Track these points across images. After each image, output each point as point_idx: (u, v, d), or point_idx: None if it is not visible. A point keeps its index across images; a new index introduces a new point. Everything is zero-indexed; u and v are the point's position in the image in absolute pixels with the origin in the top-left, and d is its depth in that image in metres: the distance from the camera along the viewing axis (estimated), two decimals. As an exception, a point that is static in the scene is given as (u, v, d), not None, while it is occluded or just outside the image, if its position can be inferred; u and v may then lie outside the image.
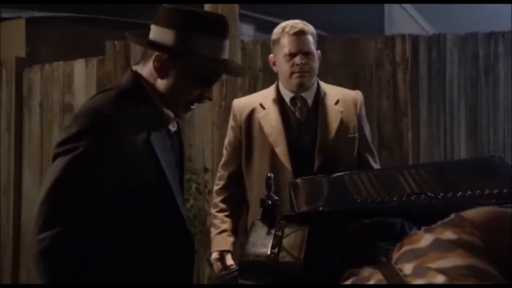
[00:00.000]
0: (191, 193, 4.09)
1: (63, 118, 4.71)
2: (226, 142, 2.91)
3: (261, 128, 2.79)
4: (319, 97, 2.80)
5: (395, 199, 2.11)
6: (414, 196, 2.08)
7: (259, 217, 2.08)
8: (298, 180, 2.38)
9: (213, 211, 2.90)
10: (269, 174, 2.10)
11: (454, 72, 4.82)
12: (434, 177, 2.21)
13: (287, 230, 2.01)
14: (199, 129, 4.40)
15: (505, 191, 2.04)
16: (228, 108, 4.15)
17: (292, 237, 1.98)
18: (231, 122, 2.89)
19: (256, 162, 2.80)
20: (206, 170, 4.13)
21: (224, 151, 2.91)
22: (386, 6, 10.37)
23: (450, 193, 2.10)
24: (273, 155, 2.75)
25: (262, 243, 1.98)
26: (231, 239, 2.82)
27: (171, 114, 1.85)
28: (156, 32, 1.79)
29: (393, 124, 4.38)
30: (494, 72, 5.29)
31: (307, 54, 2.74)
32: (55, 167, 1.64)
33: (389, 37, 4.46)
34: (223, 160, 2.91)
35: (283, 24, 2.82)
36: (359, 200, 2.13)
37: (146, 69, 1.82)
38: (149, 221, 1.73)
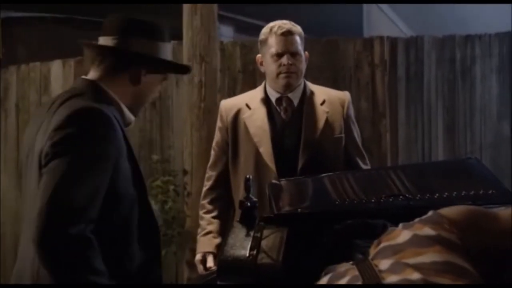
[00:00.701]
0: (169, 195, 4.07)
1: (40, 120, 4.66)
2: (213, 143, 2.91)
3: (246, 128, 2.80)
4: (305, 97, 2.81)
5: (373, 200, 2.12)
6: (392, 197, 2.09)
7: (237, 219, 2.07)
8: (277, 182, 2.38)
9: (200, 212, 2.90)
10: (247, 176, 2.10)
11: (431, 74, 4.85)
12: (412, 179, 2.22)
13: (266, 232, 2.01)
14: (178, 130, 4.39)
15: (481, 192, 2.06)
16: (207, 110, 4.17)
17: (271, 238, 1.98)
18: (218, 123, 2.90)
19: (242, 163, 2.81)
20: (185, 172, 4.12)
21: (212, 152, 2.92)
22: (365, 7, 10.42)
23: (427, 195, 2.11)
24: (257, 155, 2.75)
25: (240, 244, 1.98)
26: (216, 241, 2.81)
27: (132, 116, 2.03)
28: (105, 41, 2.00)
29: (372, 125, 4.40)
30: (471, 74, 5.34)
31: (294, 54, 2.74)
32: (62, 165, 1.72)
33: (367, 39, 4.49)
34: (210, 161, 2.91)
35: (271, 24, 2.82)
36: (337, 202, 2.13)
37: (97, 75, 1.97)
38: (129, 205, 1.89)
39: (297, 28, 2.79)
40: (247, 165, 2.79)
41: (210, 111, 4.10)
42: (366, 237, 1.70)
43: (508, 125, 5.88)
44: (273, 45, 2.74)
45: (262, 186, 2.60)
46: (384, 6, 10.97)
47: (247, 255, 1.92)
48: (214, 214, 2.86)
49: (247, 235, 2.00)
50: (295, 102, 2.82)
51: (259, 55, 2.85)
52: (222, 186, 2.87)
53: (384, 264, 1.29)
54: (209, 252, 2.81)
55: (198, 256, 2.83)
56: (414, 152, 4.59)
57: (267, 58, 2.79)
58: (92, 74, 1.98)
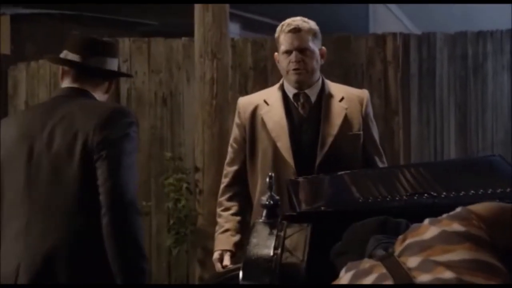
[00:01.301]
0: (182, 193, 4.04)
1: (50, 117, 4.62)
2: (231, 139, 2.90)
3: (264, 124, 2.80)
4: (323, 94, 2.80)
5: (397, 198, 2.08)
6: (417, 195, 2.06)
7: (260, 218, 2.04)
8: (296, 179, 2.34)
9: (218, 210, 2.87)
10: (270, 174, 2.06)
11: (444, 71, 4.81)
12: (436, 177, 2.19)
13: (289, 231, 1.97)
14: (189, 128, 4.36)
15: (508, 190, 2.02)
16: (219, 107, 4.14)
17: (295, 237, 1.95)
18: (236, 120, 2.89)
19: (259, 159, 2.80)
20: (196, 169, 4.08)
21: (229, 149, 2.90)
22: (371, 5, 10.38)
23: (453, 192, 2.07)
24: (275, 151, 2.75)
25: (264, 244, 1.94)
26: (235, 238, 2.79)
27: None
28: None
29: (384, 122, 4.37)
30: (482, 71, 5.30)
31: (303, 51, 2.73)
32: (125, 146, 2.12)
33: (380, 35, 4.45)
34: (228, 158, 2.90)
35: (284, 22, 2.83)
36: (361, 200, 2.10)
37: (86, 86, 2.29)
38: None
39: (308, 24, 2.79)
40: (264, 161, 2.77)
41: (221, 108, 4.06)
42: (389, 233, 1.67)
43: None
44: (283, 42, 2.77)
45: (281, 182, 2.58)
46: (392, 5, 10.91)
47: (271, 254, 1.89)
48: (232, 211, 2.83)
49: (271, 233, 1.96)
50: (313, 98, 2.82)
51: (276, 53, 2.86)
52: (239, 183, 2.85)
53: (412, 261, 1.25)
54: (227, 250, 2.78)
55: (216, 255, 2.80)
56: (426, 150, 4.56)
57: (280, 56, 2.81)
58: (72, 83, 2.28)
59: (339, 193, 2.19)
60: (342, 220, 2.03)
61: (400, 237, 1.40)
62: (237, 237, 2.80)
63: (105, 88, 2.31)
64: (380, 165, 2.85)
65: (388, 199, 2.08)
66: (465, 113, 4.99)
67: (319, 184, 2.29)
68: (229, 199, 2.86)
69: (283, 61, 2.78)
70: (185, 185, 4.06)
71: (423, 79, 4.58)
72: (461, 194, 2.06)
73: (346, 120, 2.77)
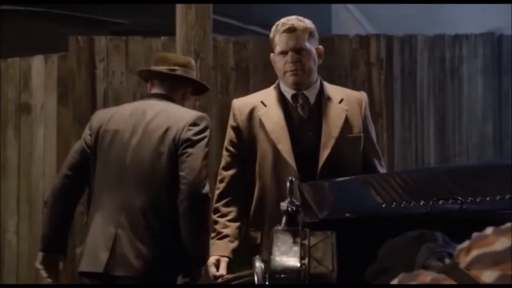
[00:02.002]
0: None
1: (19, 119, 4.41)
2: (226, 143, 2.80)
3: (262, 125, 2.72)
4: (322, 95, 2.75)
5: (422, 203, 2.00)
6: (442, 200, 1.98)
7: (280, 225, 1.93)
8: (312, 182, 2.24)
9: (214, 216, 2.78)
10: (291, 178, 1.96)
11: (424, 73, 4.80)
12: (458, 181, 2.12)
13: (313, 239, 1.88)
14: (169, 130, 4.20)
15: (538, 195, 1.97)
16: (202, 108, 4.00)
17: (321, 246, 1.85)
18: (231, 122, 2.80)
19: (258, 161, 2.72)
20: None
21: (225, 152, 2.80)
22: (333, 7, 10.41)
23: (479, 197, 2.00)
24: (275, 153, 2.67)
25: (289, 253, 1.84)
26: (233, 245, 2.71)
27: None
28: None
29: (369, 125, 4.30)
30: (458, 74, 5.32)
31: (299, 51, 2.67)
32: (202, 147, 2.76)
33: (363, 36, 4.39)
34: (223, 162, 2.80)
35: (279, 21, 2.75)
36: (384, 205, 2.01)
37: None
38: None
39: (303, 23, 2.73)
40: (264, 164, 2.70)
41: (205, 110, 3.92)
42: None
43: (491, 126, 5.89)
44: (278, 43, 2.70)
45: (281, 185, 2.54)
46: (351, 6, 10.98)
47: (299, 265, 1.78)
48: (229, 217, 2.75)
49: (294, 242, 1.86)
50: (312, 99, 2.77)
51: (272, 54, 2.78)
52: (236, 187, 2.77)
53: (488, 276, 1.16)
54: (224, 256, 2.70)
55: (212, 259, 2.71)
56: (408, 153, 4.52)
57: (275, 58, 2.75)
58: (159, 90, 2.95)
59: (359, 198, 2.10)
60: (367, 226, 1.95)
61: (461, 246, 1.31)
62: (235, 244, 2.72)
63: (183, 94, 2.98)
64: (380, 168, 2.81)
65: (413, 204, 2.00)
66: (443, 117, 4.99)
67: (335, 188, 2.19)
68: (226, 204, 2.77)
69: (279, 62, 2.71)
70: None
71: (405, 82, 4.55)
72: (487, 199, 1.99)
73: (347, 122, 2.73)
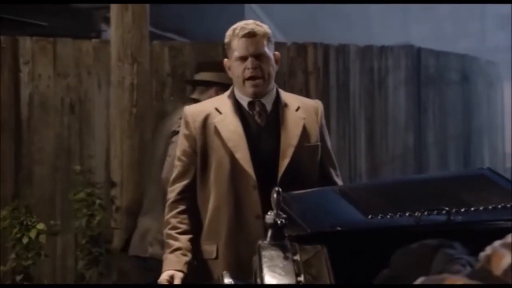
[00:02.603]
0: (95, 208, 3.66)
1: None
2: (178, 152, 2.68)
3: (218, 133, 2.62)
4: (279, 103, 2.67)
5: (407, 214, 1.95)
6: (428, 211, 1.93)
7: (265, 239, 1.82)
8: (288, 194, 2.14)
9: (165, 229, 2.64)
10: (277, 189, 1.85)
11: (356, 83, 4.83)
12: (439, 192, 2.08)
13: (303, 253, 1.79)
14: (100, 138, 3.98)
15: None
16: (140, 116, 3.82)
17: (314, 261, 1.76)
18: (183, 130, 2.67)
19: (213, 170, 2.61)
20: (113, 184, 3.73)
21: (178, 162, 2.68)
22: (247, 13, 10.47)
23: (463, 208, 1.98)
24: (233, 162, 2.57)
25: (282, 270, 1.73)
26: (186, 258, 2.57)
27: None
28: None
29: (306, 134, 4.26)
30: (385, 85, 5.40)
31: (259, 56, 2.58)
32: None
33: (301, 45, 4.35)
34: (176, 172, 2.67)
35: (235, 25, 2.67)
36: (370, 217, 1.94)
37: None
38: None
39: (262, 28, 2.64)
40: (220, 173, 2.59)
41: (142, 117, 3.75)
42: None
43: (412, 136, 6.03)
44: (236, 48, 2.58)
45: (239, 195, 2.49)
46: (260, 12, 11.08)
47: (294, 282, 1.68)
48: (182, 229, 2.61)
49: (285, 258, 1.76)
50: (268, 107, 2.69)
51: (226, 59, 2.65)
52: (188, 198, 2.64)
53: None
54: (178, 271, 2.55)
55: (165, 275, 2.55)
56: (342, 162, 4.51)
57: (232, 63, 2.62)
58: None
59: (342, 209, 2.02)
60: (355, 239, 1.88)
61: (487, 253, 1.26)
62: (188, 257, 2.58)
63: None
64: (336, 179, 2.75)
65: (399, 216, 1.95)
66: (372, 126, 5.03)
67: (314, 199, 2.10)
68: (178, 216, 2.63)
69: (237, 68, 2.59)
70: (98, 201, 3.68)
71: (340, 91, 4.55)
72: (472, 210, 1.97)
73: (305, 131, 2.66)
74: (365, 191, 2.14)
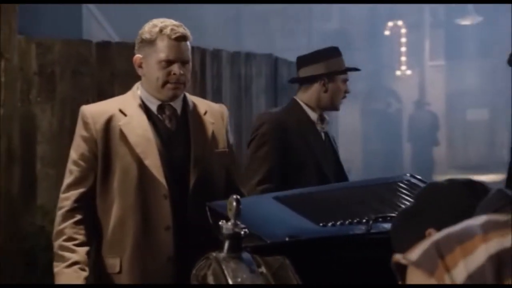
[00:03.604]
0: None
1: None
2: (75, 156, 2.45)
3: (124, 137, 2.44)
4: (188, 106, 2.56)
5: (356, 221, 1.91)
6: (378, 218, 1.90)
7: (222, 251, 1.67)
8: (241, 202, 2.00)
9: (58, 240, 2.41)
10: (236, 197, 1.71)
11: (227, 89, 4.77)
12: (379, 198, 2.06)
13: (267, 265, 1.66)
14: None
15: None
16: (8, 117, 3.43)
17: (282, 273, 1.65)
18: (82, 132, 2.45)
19: (117, 178, 2.43)
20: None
21: (74, 167, 2.45)
22: (84, 10, 10.10)
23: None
24: (141, 168, 2.41)
25: (249, 283, 1.59)
26: (85, 273, 2.38)
27: None
28: None
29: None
30: (250, 92, 5.40)
31: (185, 63, 2.45)
32: None
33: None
34: (71, 178, 2.44)
35: (160, 23, 2.47)
36: (322, 225, 1.87)
37: None
38: None
39: (188, 32, 2.50)
40: (126, 181, 2.42)
41: (11, 118, 3.37)
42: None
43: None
44: (163, 49, 2.42)
45: (148, 205, 2.36)
46: (95, 10, 10.75)
47: (267, 296, 1.55)
48: (79, 241, 2.41)
49: (252, 271, 1.62)
50: (178, 110, 2.54)
51: (138, 56, 2.46)
52: (86, 207, 2.44)
53: None
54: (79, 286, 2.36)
55: None
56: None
57: (151, 63, 2.44)
58: None
59: (291, 218, 1.92)
60: (311, 248, 1.80)
61: None
62: (87, 272, 2.40)
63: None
64: (240, 186, 2.67)
65: (348, 223, 1.89)
66: (240, 134, 4.99)
67: (257, 207, 1.98)
68: (74, 226, 2.42)
69: (159, 71, 2.42)
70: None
71: (215, 96, 4.46)
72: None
73: (214, 136, 2.57)
74: (302, 198, 2.06)
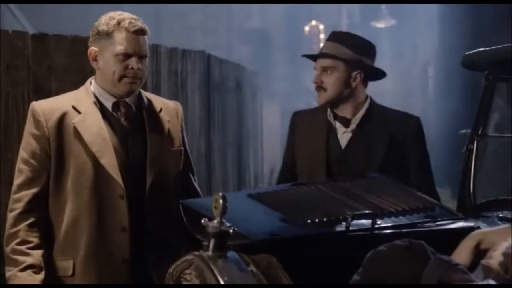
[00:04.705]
0: None
1: None
2: (25, 155, 2.37)
3: (78, 135, 2.37)
4: (143, 103, 2.49)
5: (333, 218, 1.91)
6: (355, 216, 1.91)
7: (207, 250, 1.64)
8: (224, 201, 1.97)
9: (11, 244, 2.32)
10: (222, 194, 1.67)
11: (165, 85, 4.69)
12: (349, 196, 2.08)
13: (255, 264, 1.65)
14: None
15: (437, 208, 2.06)
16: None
17: (271, 272, 1.63)
18: (32, 130, 2.36)
19: (71, 177, 2.36)
20: None
21: (23, 166, 2.36)
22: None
23: (386, 211, 2.00)
24: (97, 168, 2.35)
25: (243, 282, 1.56)
26: (40, 277, 2.30)
27: None
28: None
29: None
30: (186, 89, 5.34)
31: (142, 57, 2.39)
32: None
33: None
34: (22, 178, 2.36)
35: (117, 16, 2.39)
36: (300, 222, 1.86)
37: None
38: None
39: (147, 27, 2.46)
40: (80, 181, 2.35)
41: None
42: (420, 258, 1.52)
43: (204, 141, 6.04)
44: (121, 42, 2.35)
45: (103, 205, 2.30)
46: (10, 4, 10.44)
47: (260, 295, 1.53)
48: (33, 244, 2.33)
49: (241, 270, 1.60)
50: (134, 107, 2.49)
51: (93, 48, 2.39)
52: (39, 208, 2.36)
53: None
54: None
55: None
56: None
57: (107, 56, 2.37)
58: None
59: (271, 216, 1.91)
60: (295, 245, 1.79)
61: (497, 261, 1.29)
62: (42, 275, 2.32)
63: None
64: (195, 184, 2.65)
65: (325, 221, 1.89)
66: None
67: (237, 205, 1.94)
68: (28, 229, 2.33)
69: (114, 65, 2.35)
70: None
71: (154, 93, 4.34)
72: (394, 212, 2.00)
73: (170, 134, 2.52)
74: (275, 196, 2.04)
